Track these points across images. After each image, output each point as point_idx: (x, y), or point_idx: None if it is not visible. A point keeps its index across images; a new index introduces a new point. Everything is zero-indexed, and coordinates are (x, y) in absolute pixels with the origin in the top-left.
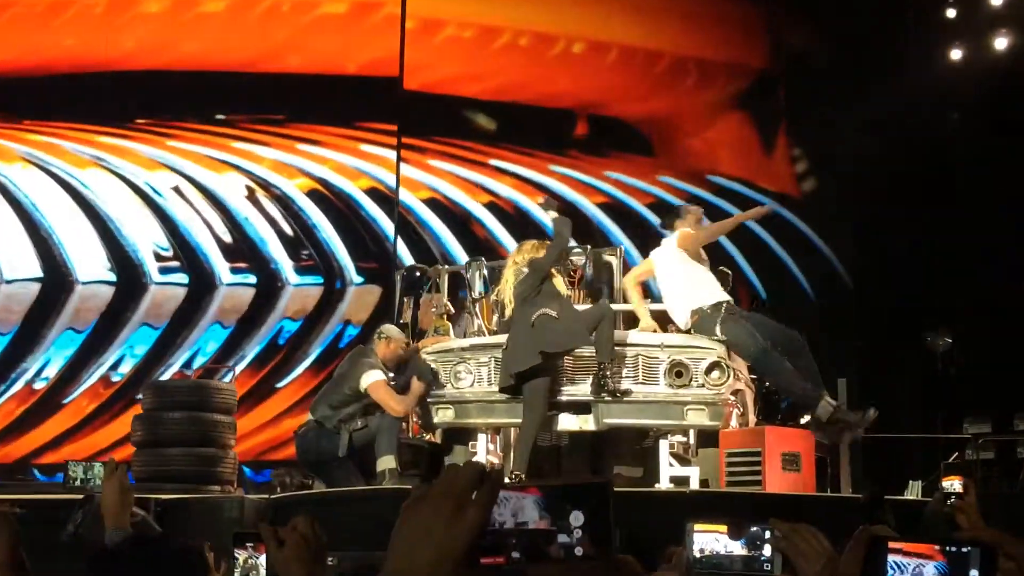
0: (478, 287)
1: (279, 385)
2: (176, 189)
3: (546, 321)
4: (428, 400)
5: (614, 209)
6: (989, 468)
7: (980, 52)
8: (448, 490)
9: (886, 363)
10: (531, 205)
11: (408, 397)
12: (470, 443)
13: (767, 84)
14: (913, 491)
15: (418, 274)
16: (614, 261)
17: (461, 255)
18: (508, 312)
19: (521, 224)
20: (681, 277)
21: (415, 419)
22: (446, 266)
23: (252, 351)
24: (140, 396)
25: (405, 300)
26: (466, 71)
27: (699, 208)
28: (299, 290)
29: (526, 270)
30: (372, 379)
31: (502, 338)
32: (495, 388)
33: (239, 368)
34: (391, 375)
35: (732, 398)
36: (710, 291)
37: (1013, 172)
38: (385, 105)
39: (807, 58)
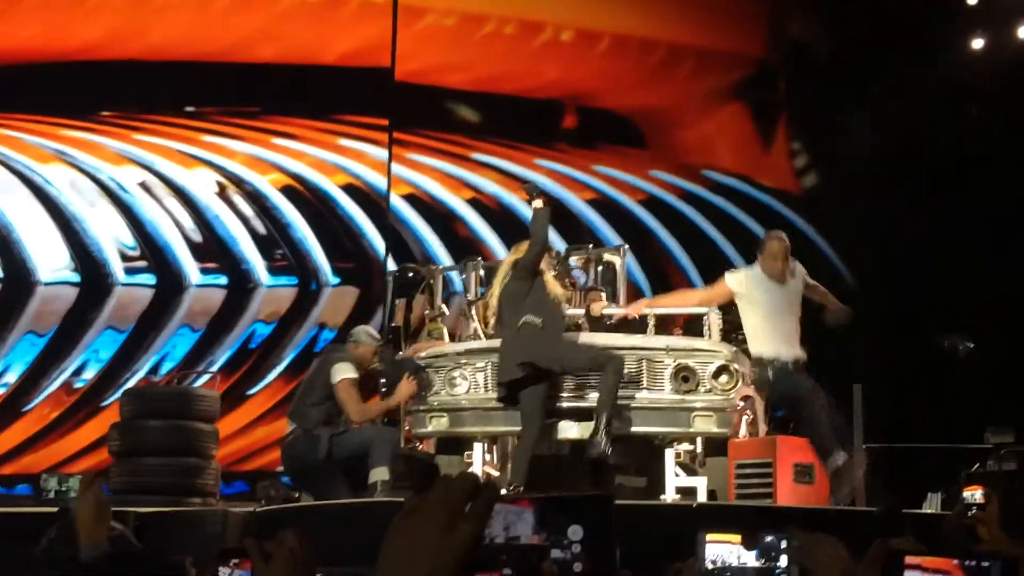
0: (473, 288)
1: (250, 392)
2: (143, 185)
3: (529, 329)
4: (421, 408)
5: (604, 206)
6: (1011, 480)
7: (1002, 41)
8: (441, 502)
9: (901, 368)
10: (517, 202)
11: (371, 407)
12: (465, 453)
13: (766, 75)
14: (932, 504)
15: (411, 275)
16: (617, 260)
17: (443, 254)
18: (492, 317)
19: (506, 222)
20: (745, 320)
21: (407, 427)
22: (441, 266)
23: (222, 356)
24: (120, 403)
25: (398, 302)
26: (448, 61)
27: (778, 239)
28: (272, 291)
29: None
30: (341, 375)
31: (498, 343)
32: (492, 395)
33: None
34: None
35: (742, 404)
36: (765, 344)
37: None
38: (365, 97)
39: (809, 47)
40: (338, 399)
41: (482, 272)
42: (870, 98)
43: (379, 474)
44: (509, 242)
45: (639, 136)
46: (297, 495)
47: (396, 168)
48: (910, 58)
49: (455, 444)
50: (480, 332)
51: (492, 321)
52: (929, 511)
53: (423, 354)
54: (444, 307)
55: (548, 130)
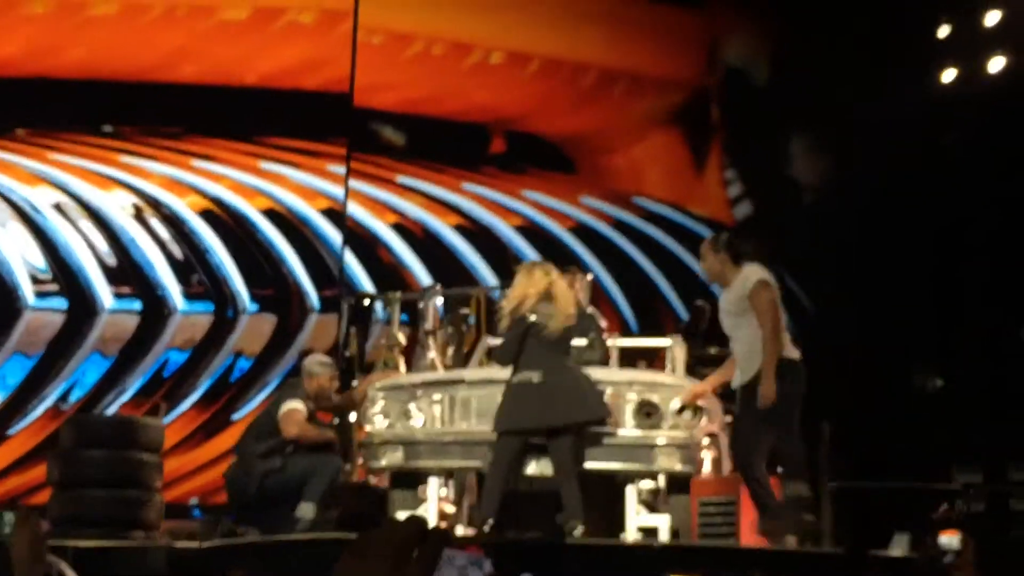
0: (431, 317)
1: (163, 421)
2: (57, 206)
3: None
4: (375, 441)
5: (532, 233)
6: (976, 521)
7: (973, 74)
8: (388, 545)
9: (867, 406)
10: (442, 227)
11: (307, 427)
12: (420, 487)
13: (700, 100)
14: (899, 545)
15: (367, 303)
16: (580, 291)
17: (365, 281)
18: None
19: (430, 247)
20: None
21: (360, 460)
22: (398, 293)
23: (134, 384)
24: (60, 432)
25: (351, 330)
26: (373, 80)
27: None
28: (188, 318)
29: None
30: (287, 408)
31: (459, 374)
32: (449, 428)
33: (120, 401)
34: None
35: (706, 441)
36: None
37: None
38: (290, 119)
39: (746, 73)
40: (280, 427)
41: (440, 300)
42: (809, 126)
43: (305, 510)
44: (433, 269)
45: (568, 161)
46: (242, 530)
47: (322, 188)
48: (854, 86)
49: (410, 478)
50: (437, 363)
51: (453, 350)
52: (896, 553)
53: (378, 385)
54: (400, 336)
55: (475, 154)
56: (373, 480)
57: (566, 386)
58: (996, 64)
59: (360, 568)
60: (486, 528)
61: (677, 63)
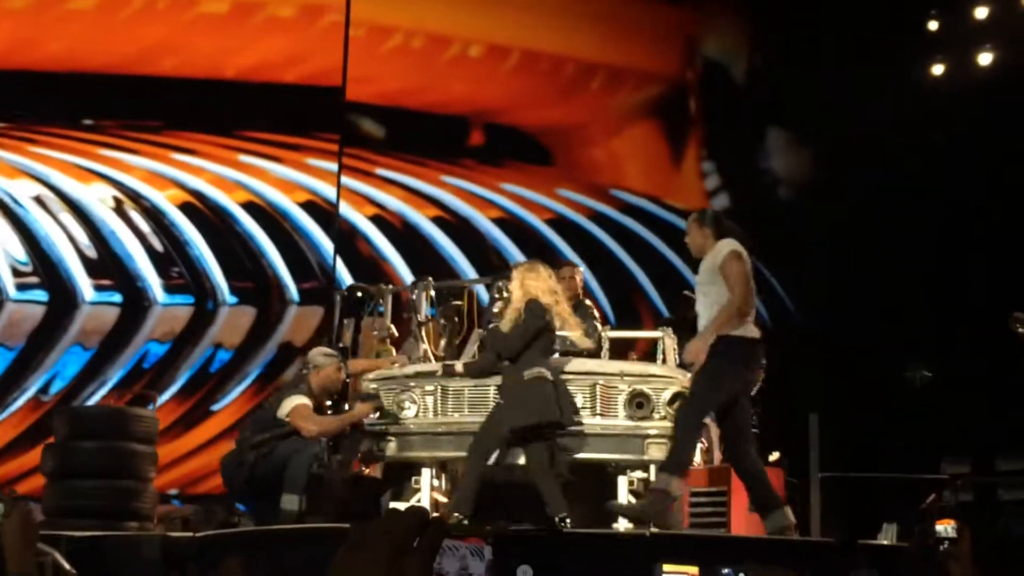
0: (424, 309)
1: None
2: (38, 199)
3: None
4: (369, 431)
5: (510, 224)
6: (969, 511)
7: (962, 68)
8: (387, 536)
9: (856, 397)
10: (421, 219)
11: (329, 419)
12: (413, 478)
13: (679, 93)
14: (887, 535)
15: (359, 294)
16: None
17: (344, 272)
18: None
19: (409, 239)
20: None
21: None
22: (391, 286)
23: (115, 375)
24: (54, 423)
25: (345, 322)
26: (353, 73)
27: None
28: (168, 310)
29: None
30: (292, 404)
31: (452, 365)
32: (441, 419)
33: (100, 393)
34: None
35: None
36: None
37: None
38: (269, 113)
39: (725, 67)
40: (295, 427)
41: (432, 293)
42: (788, 119)
43: (288, 502)
44: (412, 261)
45: (546, 154)
46: (236, 519)
47: (301, 180)
48: (838, 80)
49: (403, 469)
50: (430, 355)
51: (440, 343)
52: (884, 542)
53: (371, 376)
54: (393, 328)
55: (454, 146)
56: (366, 471)
57: (562, 387)
58: (985, 58)
59: (359, 559)
60: (464, 521)
61: (656, 56)
